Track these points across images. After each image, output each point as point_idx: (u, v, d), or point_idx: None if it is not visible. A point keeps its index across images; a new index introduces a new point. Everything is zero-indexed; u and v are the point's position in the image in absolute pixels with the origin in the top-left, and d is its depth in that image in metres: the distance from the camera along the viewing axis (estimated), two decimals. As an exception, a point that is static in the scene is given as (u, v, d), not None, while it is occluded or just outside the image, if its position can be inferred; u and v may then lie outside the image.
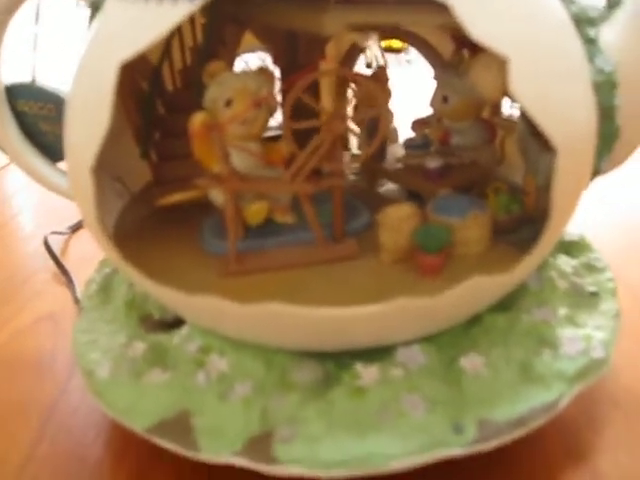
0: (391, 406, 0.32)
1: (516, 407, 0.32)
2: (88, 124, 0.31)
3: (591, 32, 0.36)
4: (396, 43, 0.53)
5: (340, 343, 0.34)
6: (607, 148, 0.36)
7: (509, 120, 0.46)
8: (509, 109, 0.48)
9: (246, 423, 0.32)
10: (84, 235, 0.63)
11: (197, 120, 0.33)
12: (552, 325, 0.37)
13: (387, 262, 0.35)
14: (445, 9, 0.31)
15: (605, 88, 0.35)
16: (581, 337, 0.35)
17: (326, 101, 0.33)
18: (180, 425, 0.33)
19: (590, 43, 0.35)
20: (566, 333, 0.36)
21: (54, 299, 0.53)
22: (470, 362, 0.34)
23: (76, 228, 0.64)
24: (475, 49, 0.45)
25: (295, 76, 0.31)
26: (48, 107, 0.43)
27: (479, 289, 0.32)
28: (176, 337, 0.38)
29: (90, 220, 0.34)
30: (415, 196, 0.43)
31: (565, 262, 0.43)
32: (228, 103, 0.35)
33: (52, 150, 0.44)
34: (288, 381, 0.34)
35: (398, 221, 0.34)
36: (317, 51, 0.41)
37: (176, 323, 0.40)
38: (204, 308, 0.32)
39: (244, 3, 0.38)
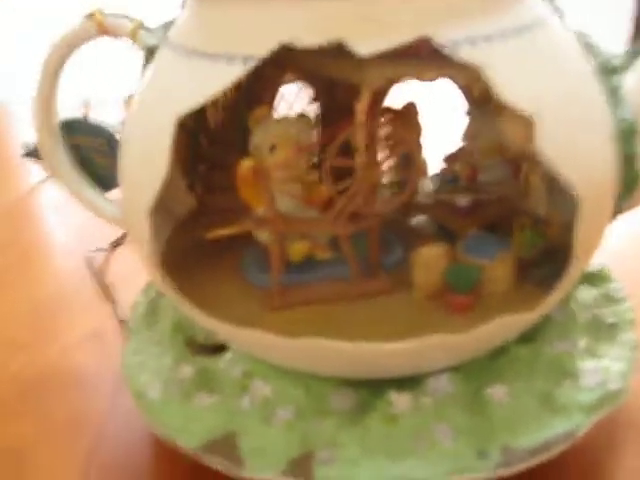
0: (422, 433, 0.35)
1: (538, 435, 0.35)
2: (147, 171, 0.34)
3: (614, 81, 0.38)
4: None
5: (374, 373, 0.36)
6: (628, 192, 0.38)
7: (534, 157, 0.48)
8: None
9: (288, 445, 0.35)
10: (125, 252, 0.66)
11: (245, 166, 0.36)
12: (573, 356, 0.39)
13: (419, 298, 0.38)
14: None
15: (626, 136, 0.37)
16: (600, 369, 0.38)
17: (361, 151, 0.36)
18: (227, 445, 0.36)
19: (613, 92, 0.37)
20: (586, 365, 0.38)
21: (97, 317, 0.56)
22: (495, 392, 0.37)
23: (116, 245, 0.67)
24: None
25: (341, 123, 0.34)
26: (100, 141, 0.46)
27: (506, 326, 0.34)
28: (221, 362, 0.41)
29: (144, 255, 0.37)
30: (444, 228, 0.46)
31: (586, 292, 0.45)
32: (272, 149, 0.37)
33: (104, 180, 0.47)
34: (326, 407, 0.37)
35: (430, 260, 0.36)
36: (355, 92, 0.43)
37: (220, 348, 0.43)
38: (250, 339, 0.35)
39: (285, 50, 0.40)
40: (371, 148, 0.36)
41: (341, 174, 0.37)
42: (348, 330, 0.34)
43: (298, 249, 0.38)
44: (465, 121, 0.47)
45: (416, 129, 0.49)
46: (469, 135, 0.46)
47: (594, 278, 0.47)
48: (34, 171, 0.90)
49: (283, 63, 0.44)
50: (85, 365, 0.51)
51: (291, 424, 0.36)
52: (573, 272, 0.35)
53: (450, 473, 0.33)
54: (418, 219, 0.47)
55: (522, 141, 0.36)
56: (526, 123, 0.35)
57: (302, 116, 0.39)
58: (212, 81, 0.32)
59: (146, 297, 0.49)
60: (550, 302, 0.36)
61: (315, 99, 0.46)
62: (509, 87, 0.30)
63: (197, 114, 0.47)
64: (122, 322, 0.53)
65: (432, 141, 0.53)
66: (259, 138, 0.38)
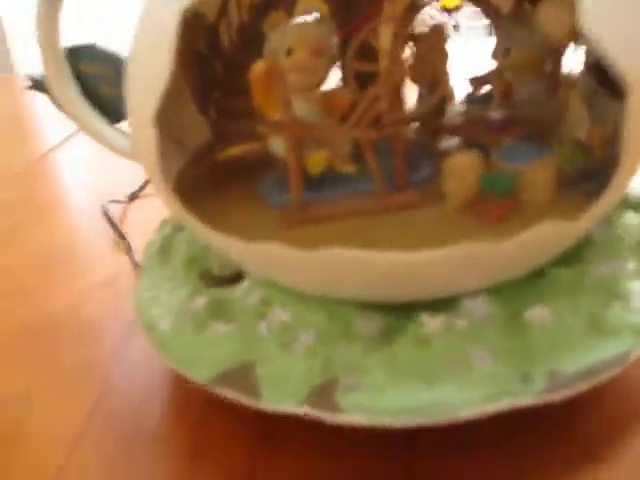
0: (457, 356, 0.31)
1: (586, 358, 0.32)
2: (151, 74, 0.32)
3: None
4: (450, 2, 0.51)
5: (403, 292, 0.33)
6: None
7: (571, 75, 0.44)
8: (569, 65, 0.46)
9: (309, 372, 0.32)
10: (142, 204, 0.64)
11: (259, 67, 0.33)
12: (621, 277, 0.36)
13: (452, 211, 0.34)
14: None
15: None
16: (655, 290, 0.34)
17: (387, 48, 0.32)
18: (244, 375, 0.33)
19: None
20: (636, 286, 0.35)
21: (113, 265, 0.54)
22: (536, 314, 0.33)
23: (133, 197, 0.65)
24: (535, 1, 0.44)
25: (358, 19, 0.31)
26: (108, 69, 0.44)
27: (546, 236, 0.31)
28: (237, 291, 0.38)
29: (153, 173, 0.34)
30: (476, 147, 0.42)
31: (631, 218, 0.41)
32: (289, 52, 0.34)
33: (112, 111, 0.44)
34: (351, 332, 0.34)
35: (463, 169, 0.33)
36: (375, 7, 0.40)
37: (236, 278, 0.40)
38: (266, 256, 0.32)
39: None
40: (395, 48, 0.33)
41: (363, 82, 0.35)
42: (374, 243, 0.31)
43: (317, 160, 0.35)
44: (491, 40, 0.44)
45: (442, 52, 0.46)
46: (499, 52, 0.42)
47: (638, 205, 0.43)
48: (51, 132, 0.90)
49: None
50: (98, 312, 0.49)
51: (312, 349, 0.33)
52: (620, 178, 0.32)
53: (489, 397, 0.30)
54: (447, 142, 0.43)
55: (564, 33, 0.33)
56: (568, 10, 0.32)
57: (323, 19, 0.35)
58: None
59: (160, 235, 0.46)
60: (595, 213, 0.32)
61: (332, 17, 0.42)
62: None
63: (210, 37, 0.44)
64: (137, 267, 0.51)
65: (458, 68, 0.49)
66: (276, 42, 0.35)
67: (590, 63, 0.41)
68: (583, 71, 0.42)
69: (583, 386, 0.31)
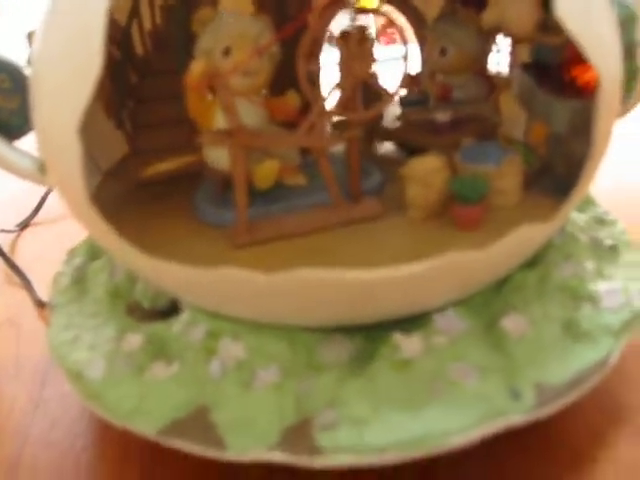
0: (440, 377, 0.29)
1: (568, 367, 0.30)
2: (72, 82, 0.27)
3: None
4: (369, 2, 0.49)
5: (372, 312, 0.30)
6: (628, 87, 0.34)
7: (504, 75, 0.43)
8: (497, 65, 0.46)
9: (279, 412, 0.28)
10: (33, 233, 0.57)
11: (196, 70, 0.29)
12: (584, 279, 0.34)
13: (417, 219, 0.32)
14: None
15: (627, 23, 0.33)
16: (619, 289, 0.33)
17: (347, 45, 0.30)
18: (199, 423, 0.29)
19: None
20: (601, 286, 0.34)
21: (10, 303, 0.47)
22: (511, 323, 0.31)
23: (24, 226, 0.57)
24: (465, 0, 0.42)
25: (302, 15, 0.28)
26: (1, 78, 0.38)
27: (524, 240, 0.29)
28: (176, 324, 0.33)
29: (76, 193, 0.29)
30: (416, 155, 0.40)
31: (577, 217, 0.41)
32: (227, 52, 0.30)
33: (6, 128, 0.38)
34: (318, 361, 0.30)
35: (427, 174, 0.30)
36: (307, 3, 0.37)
37: (170, 310, 0.36)
38: (219, 283, 0.28)
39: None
40: (351, 49, 0.30)
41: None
42: (338, 263, 0.28)
43: (266, 172, 0.31)
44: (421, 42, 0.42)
45: (368, 53, 0.44)
46: (434, 52, 0.40)
47: (582, 205, 0.43)
48: None
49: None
50: (3, 356, 0.42)
51: (278, 386, 0.29)
52: (589, 173, 0.30)
53: (483, 419, 0.27)
54: (386, 148, 0.41)
55: (526, 24, 0.31)
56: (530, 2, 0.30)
57: (259, 15, 0.32)
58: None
59: (70, 266, 0.41)
60: (566, 212, 0.31)
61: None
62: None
63: (123, 42, 0.39)
64: (40, 304, 0.44)
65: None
66: (209, 41, 0.31)
67: (527, 63, 0.40)
68: (518, 71, 0.41)
69: (570, 397, 0.29)
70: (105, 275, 0.38)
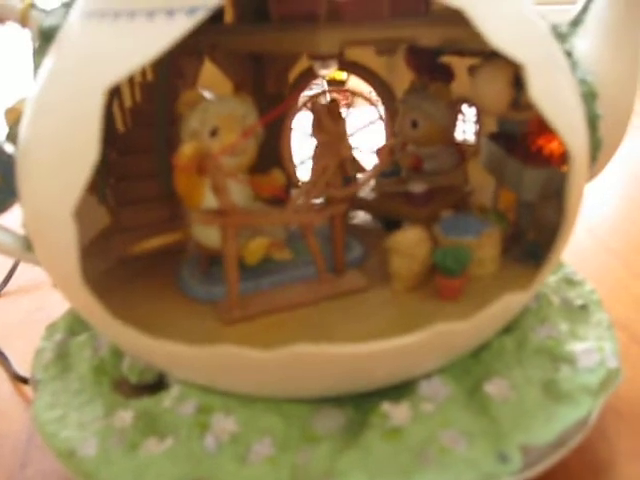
0: (430, 444, 0.29)
1: (552, 428, 0.31)
2: (70, 161, 0.27)
3: (566, 46, 0.36)
4: (339, 75, 0.52)
5: (364, 383, 0.31)
6: (593, 157, 0.37)
7: (471, 144, 0.46)
8: (463, 134, 0.48)
9: (276, 485, 0.28)
10: (4, 304, 0.56)
11: (186, 152, 0.30)
12: (559, 340, 0.36)
13: (400, 290, 0.33)
14: (445, 23, 0.31)
15: (589, 98, 0.35)
16: (594, 350, 0.35)
17: (327, 124, 0.31)
18: (195, 499, 0.29)
19: (568, 56, 0.36)
20: (576, 347, 0.35)
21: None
22: (494, 387, 0.32)
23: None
24: (433, 75, 0.45)
25: (291, 99, 0.29)
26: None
27: (508, 307, 0.31)
28: (165, 400, 0.33)
29: (67, 272, 0.29)
30: (391, 226, 0.42)
31: (548, 279, 0.42)
32: (214, 133, 0.32)
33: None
34: (310, 433, 0.31)
35: (412, 246, 0.32)
36: (285, 79, 0.39)
37: (157, 385, 0.36)
38: (216, 360, 0.29)
39: (210, 32, 0.35)
40: (338, 122, 0.31)
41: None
42: (327, 336, 0.29)
43: (257, 247, 0.32)
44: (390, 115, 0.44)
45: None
46: (406, 124, 0.42)
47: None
48: None
49: (208, 49, 0.38)
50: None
51: (274, 459, 0.29)
52: (564, 239, 0.32)
53: (475, 484, 0.28)
54: (359, 218, 0.42)
55: (500, 103, 0.33)
56: (505, 81, 0.33)
57: (242, 95, 0.33)
58: (150, 41, 0.26)
59: (50, 342, 0.40)
60: (542, 277, 0.32)
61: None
62: (498, 34, 0.27)
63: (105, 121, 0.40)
64: (19, 379, 0.44)
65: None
66: (197, 122, 0.32)
67: (494, 132, 0.43)
68: (485, 140, 0.43)
69: (555, 456, 0.30)
70: (89, 350, 0.38)
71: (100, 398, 0.35)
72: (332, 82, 0.53)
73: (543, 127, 0.40)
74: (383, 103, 0.50)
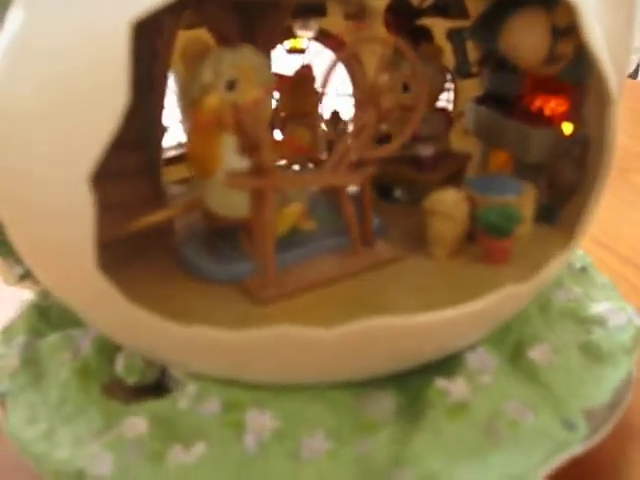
0: (499, 418, 0.27)
1: (604, 389, 0.30)
2: (92, 109, 0.22)
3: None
4: (299, 43, 0.48)
5: (414, 358, 0.28)
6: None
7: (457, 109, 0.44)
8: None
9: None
10: None
11: (210, 105, 0.25)
12: (580, 303, 0.35)
13: (440, 257, 0.30)
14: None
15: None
16: (619, 308, 0.34)
17: (360, 79, 0.28)
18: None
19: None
20: (600, 308, 0.34)
21: None
22: (538, 353, 0.31)
23: None
24: (412, 37, 0.43)
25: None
26: None
27: (559, 266, 0.29)
28: (182, 400, 0.29)
29: (79, 259, 0.24)
30: (383, 193, 0.40)
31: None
32: (231, 85, 0.27)
33: None
34: (365, 419, 0.27)
35: (453, 207, 0.29)
36: (275, 35, 0.35)
37: (160, 385, 0.31)
38: (264, 344, 0.25)
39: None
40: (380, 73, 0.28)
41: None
42: (381, 310, 0.26)
43: (291, 215, 0.28)
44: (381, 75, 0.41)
45: (313, 94, 0.42)
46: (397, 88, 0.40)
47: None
48: None
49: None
50: None
51: (333, 453, 0.26)
52: (598, 194, 0.30)
53: (549, 456, 0.26)
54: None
55: (537, 53, 0.31)
56: (542, 30, 0.31)
57: (249, 47, 0.29)
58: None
59: (11, 347, 0.34)
60: (583, 231, 0.31)
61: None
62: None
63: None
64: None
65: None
66: (209, 74, 0.27)
67: (480, 96, 0.41)
68: (471, 104, 0.41)
69: (615, 419, 0.29)
70: (67, 353, 0.32)
71: (92, 406, 0.30)
72: (293, 50, 0.49)
73: (539, 86, 0.39)
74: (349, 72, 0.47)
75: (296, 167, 0.33)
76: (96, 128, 0.22)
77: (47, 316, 0.36)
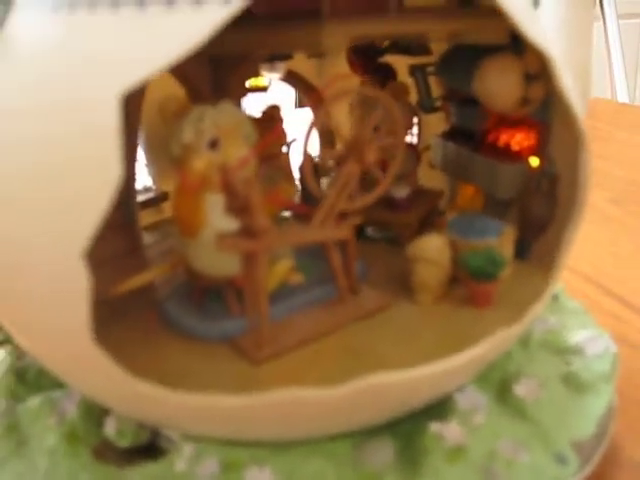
0: (495, 458, 0.28)
1: (589, 420, 0.31)
2: (83, 187, 0.22)
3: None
4: (260, 82, 0.49)
5: (408, 406, 0.28)
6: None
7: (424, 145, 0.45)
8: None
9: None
10: None
11: (199, 166, 0.25)
12: (556, 333, 0.36)
13: (426, 302, 0.31)
14: (453, 16, 0.29)
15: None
16: (597, 336, 0.35)
17: (346, 129, 0.28)
18: None
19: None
20: (578, 337, 0.36)
21: None
22: (524, 388, 0.31)
23: None
24: (376, 76, 0.43)
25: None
26: None
27: (544, 304, 0.30)
28: (178, 462, 0.28)
29: (73, 328, 0.23)
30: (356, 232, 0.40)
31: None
32: (214, 144, 0.27)
33: None
34: (366, 470, 0.27)
35: (437, 253, 0.30)
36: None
37: (152, 445, 0.31)
38: (267, 407, 0.25)
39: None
40: (361, 125, 0.29)
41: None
42: (377, 362, 0.26)
43: (281, 271, 0.28)
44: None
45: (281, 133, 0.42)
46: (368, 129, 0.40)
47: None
48: None
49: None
50: None
51: (338, 507, 0.26)
52: (577, 219, 0.31)
53: (547, 493, 0.27)
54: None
55: (510, 98, 0.32)
56: (515, 75, 0.32)
57: (231, 105, 0.29)
58: (172, 35, 0.22)
59: (-9, 413, 0.33)
60: (561, 267, 0.32)
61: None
62: (533, 28, 0.26)
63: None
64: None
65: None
66: (190, 133, 0.27)
67: (447, 131, 0.42)
68: (438, 139, 0.42)
69: (603, 448, 0.30)
70: (52, 418, 0.31)
71: (85, 473, 0.29)
72: (254, 89, 0.49)
73: (502, 121, 0.40)
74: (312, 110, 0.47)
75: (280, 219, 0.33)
76: (91, 198, 0.22)
77: (24, 377, 0.35)
